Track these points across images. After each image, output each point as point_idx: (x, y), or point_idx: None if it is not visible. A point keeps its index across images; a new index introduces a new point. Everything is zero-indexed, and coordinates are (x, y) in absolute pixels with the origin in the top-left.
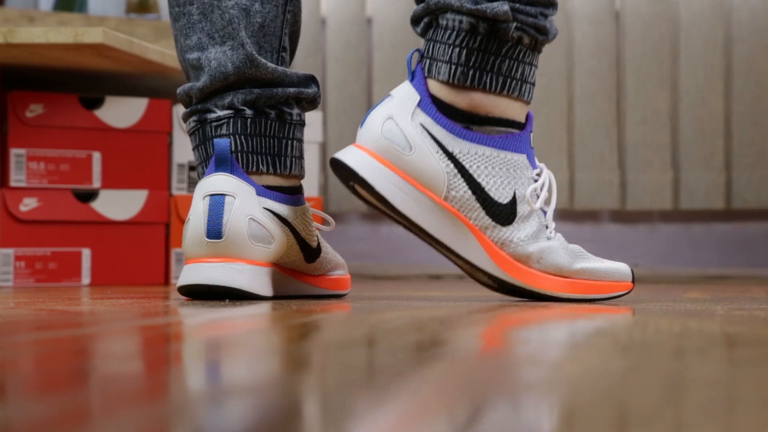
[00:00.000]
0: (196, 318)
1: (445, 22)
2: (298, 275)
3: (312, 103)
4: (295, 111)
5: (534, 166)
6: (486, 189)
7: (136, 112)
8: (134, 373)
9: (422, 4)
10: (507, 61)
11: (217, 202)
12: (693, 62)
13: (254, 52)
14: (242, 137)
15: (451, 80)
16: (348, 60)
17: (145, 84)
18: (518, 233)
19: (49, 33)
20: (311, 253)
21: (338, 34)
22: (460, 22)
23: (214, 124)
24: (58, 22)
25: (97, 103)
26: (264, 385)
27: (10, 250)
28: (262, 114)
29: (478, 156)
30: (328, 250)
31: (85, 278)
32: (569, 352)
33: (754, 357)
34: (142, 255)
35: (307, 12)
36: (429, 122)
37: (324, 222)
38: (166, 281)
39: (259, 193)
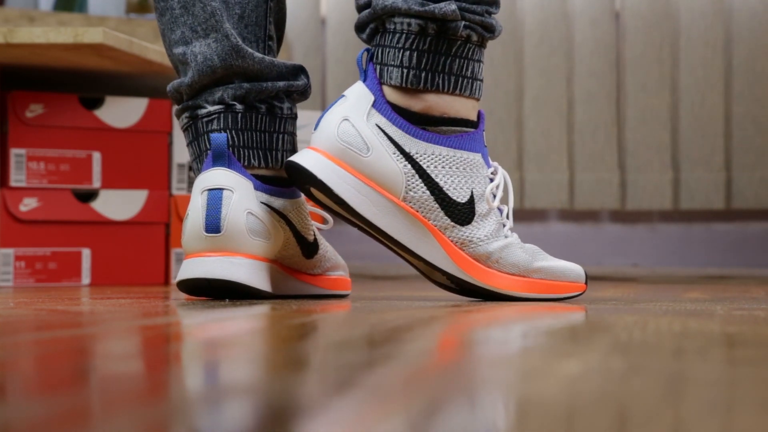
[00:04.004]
0: (196, 318)
1: (393, 26)
2: (297, 274)
3: (302, 94)
4: (286, 105)
5: (488, 165)
6: (444, 189)
7: (136, 112)
8: (134, 373)
9: (367, 11)
10: (457, 60)
11: (215, 196)
12: (693, 62)
13: (239, 43)
14: (233, 132)
15: (404, 84)
16: (348, 60)
17: (145, 84)
18: (477, 232)
19: (49, 33)
20: (308, 247)
21: (338, 34)
22: (409, 24)
23: (206, 119)
24: (58, 22)
25: (97, 103)
26: (264, 385)
27: (10, 250)
28: (252, 108)
29: (435, 156)
30: (328, 249)
31: (85, 278)
32: (569, 352)
33: (754, 357)
34: (142, 255)
35: (307, 12)
36: (385, 122)
37: (323, 220)
38: (166, 281)
39: (256, 188)
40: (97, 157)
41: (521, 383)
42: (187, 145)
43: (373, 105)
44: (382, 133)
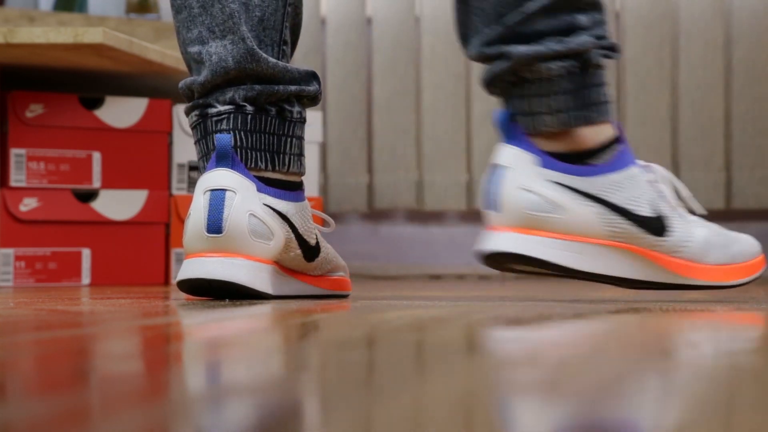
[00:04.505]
0: (196, 318)
1: (535, 75)
2: (298, 275)
3: (313, 100)
4: (296, 108)
5: (646, 170)
6: (633, 211)
7: (136, 112)
8: (134, 373)
9: (500, 63)
10: (596, 88)
11: (217, 197)
12: (693, 62)
13: (255, 47)
14: (242, 133)
15: (558, 128)
16: (348, 60)
17: (145, 84)
18: (677, 234)
19: (49, 33)
20: (310, 250)
21: (338, 34)
22: (550, 69)
23: (215, 118)
24: (58, 22)
25: (97, 103)
26: (264, 385)
27: (10, 250)
28: (262, 111)
29: (611, 185)
30: (329, 251)
31: (85, 278)
32: (569, 351)
33: (754, 357)
34: (142, 255)
35: (307, 12)
36: (557, 175)
37: (324, 223)
38: (166, 281)
39: (259, 189)
40: (97, 157)
41: (514, 382)
42: (195, 143)
43: (538, 163)
44: (560, 187)
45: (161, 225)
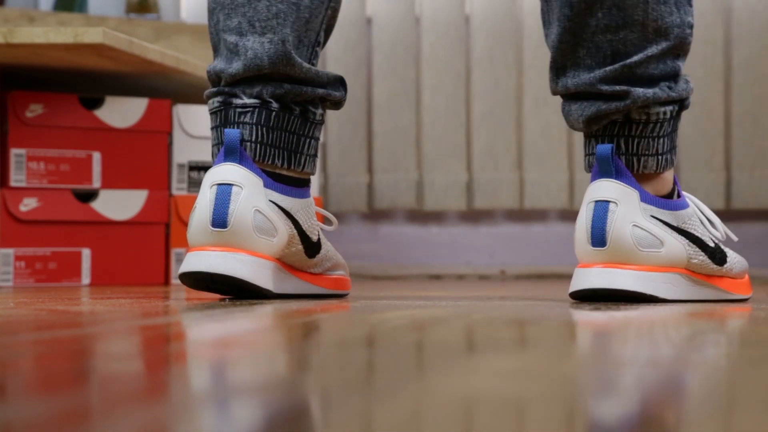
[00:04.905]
0: (196, 318)
1: (645, 117)
2: (298, 272)
3: (336, 104)
4: (319, 111)
5: (692, 202)
6: (705, 243)
7: (136, 112)
8: (134, 373)
9: (615, 104)
10: (678, 132)
11: (224, 191)
12: (693, 62)
13: (292, 51)
14: (264, 128)
15: (658, 170)
16: (348, 60)
17: (145, 84)
18: (731, 263)
19: (49, 33)
20: (312, 246)
21: (338, 34)
22: (665, 113)
23: (239, 110)
24: (58, 22)
25: (97, 103)
26: (263, 385)
27: (10, 250)
28: (287, 109)
29: (688, 218)
30: (329, 249)
31: (85, 278)
32: (569, 351)
33: (754, 357)
34: (142, 255)
35: None
36: (656, 211)
37: (326, 221)
38: (166, 281)
39: (266, 185)
40: (97, 157)
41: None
42: (212, 129)
43: (641, 200)
44: (659, 222)
45: (161, 225)
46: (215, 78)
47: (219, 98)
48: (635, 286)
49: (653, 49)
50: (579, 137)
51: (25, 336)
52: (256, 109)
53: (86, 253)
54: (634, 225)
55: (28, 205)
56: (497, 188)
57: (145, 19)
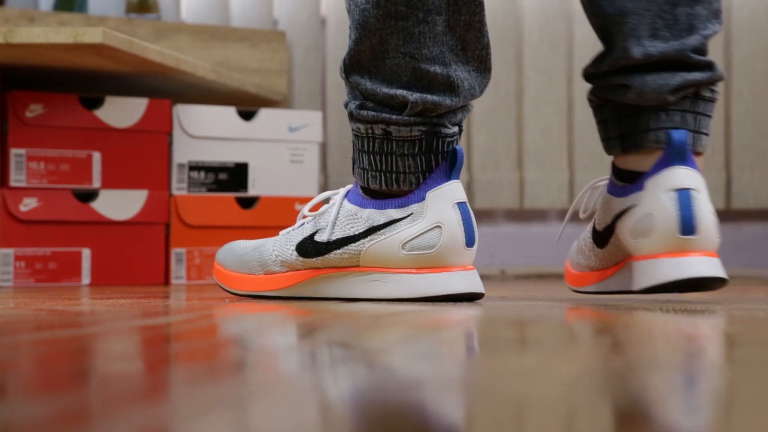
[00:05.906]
0: (195, 318)
1: (710, 94)
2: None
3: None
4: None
5: None
6: None
7: (136, 112)
8: (134, 373)
9: (699, 75)
10: None
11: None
12: None
13: (489, 77)
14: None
15: (704, 150)
16: None
17: (145, 84)
18: None
19: (49, 33)
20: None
21: (338, 34)
22: (717, 93)
23: (449, 140)
24: (58, 22)
25: (97, 103)
26: (264, 385)
27: (10, 250)
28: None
29: None
30: None
31: (85, 278)
32: (568, 351)
33: (754, 357)
34: (142, 255)
35: (307, 12)
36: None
37: None
38: (166, 281)
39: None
40: (97, 157)
41: (517, 383)
42: (408, 155)
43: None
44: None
45: (161, 225)
46: (414, 106)
47: (423, 127)
48: (724, 273)
49: (716, 27)
50: (579, 137)
51: (25, 336)
52: (457, 137)
53: (86, 253)
54: (711, 212)
55: (28, 205)
56: (497, 188)
57: (145, 19)
